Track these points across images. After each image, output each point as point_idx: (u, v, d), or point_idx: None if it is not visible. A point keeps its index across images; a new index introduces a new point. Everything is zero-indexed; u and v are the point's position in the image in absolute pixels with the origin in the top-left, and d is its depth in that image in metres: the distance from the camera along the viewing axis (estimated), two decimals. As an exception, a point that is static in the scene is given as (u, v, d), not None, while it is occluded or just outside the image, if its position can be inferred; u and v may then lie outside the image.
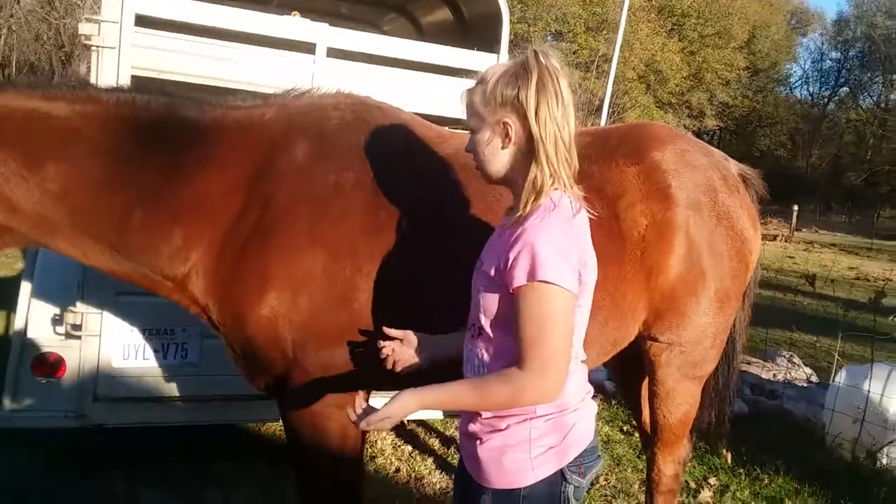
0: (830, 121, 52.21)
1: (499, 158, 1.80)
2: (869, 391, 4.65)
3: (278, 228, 2.31)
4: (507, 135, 1.76)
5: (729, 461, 4.74)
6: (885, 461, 4.56)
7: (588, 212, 1.82)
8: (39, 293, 3.60)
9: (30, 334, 3.54)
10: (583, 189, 1.82)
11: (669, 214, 2.64)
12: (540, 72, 1.70)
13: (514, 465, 1.77)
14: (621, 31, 10.06)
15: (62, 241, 2.27)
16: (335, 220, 2.36)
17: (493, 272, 1.75)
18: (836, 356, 6.15)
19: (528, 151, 1.74)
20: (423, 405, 1.70)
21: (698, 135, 45.99)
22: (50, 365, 3.55)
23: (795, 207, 30.93)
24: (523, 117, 1.72)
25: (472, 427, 1.85)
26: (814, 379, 6.47)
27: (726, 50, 38.53)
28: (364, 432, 2.53)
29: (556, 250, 1.64)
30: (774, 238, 28.02)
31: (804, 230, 33.09)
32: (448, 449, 4.61)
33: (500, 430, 1.78)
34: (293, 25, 3.76)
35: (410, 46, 4.08)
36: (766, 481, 4.48)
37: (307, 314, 2.31)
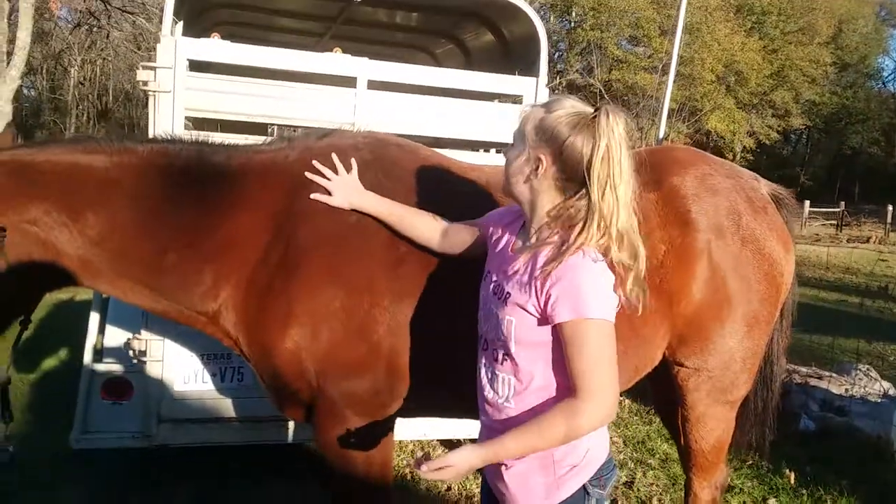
0: (929, 115, 49.40)
1: (521, 182, 1.91)
2: (939, 409, 4.44)
3: (300, 266, 2.44)
4: (536, 168, 1.85)
5: (792, 481, 4.61)
6: (958, 483, 4.35)
7: None
8: (108, 321, 3.87)
9: (99, 360, 3.81)
10: None
11: (689, 240, 2.63)
12: (608, 139, 1.76)
13: (540, 487, 1.88)
14: (679, 32, 9.82)
15: (104, 282, 2.46)
16: (354, 257, 2.47)
17: (528, 305, 1.83)
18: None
19: (564, 191, 1.84)
20: (486, 460, 1.80)
21: (785, 134, 44.39)
22: (119, 389, 3.80)
23: (890, 207, 29.49)
24: (562, 164, 1.81)
25: None
26: (892, 393, 6.18)
27: (811, 46, 37.08)
28: (389, 462, 2.63)
29: (599, 285, 1.77)
30: (867, 240, 26.80)
31: (901, 231, 31.44)
32: (501, 467, 4.64)
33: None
34: (334, 61, 3.92)
35: (446, 74, 4.19)
36: (829, 503, 4.34)
37: (328, 346, 2.42)
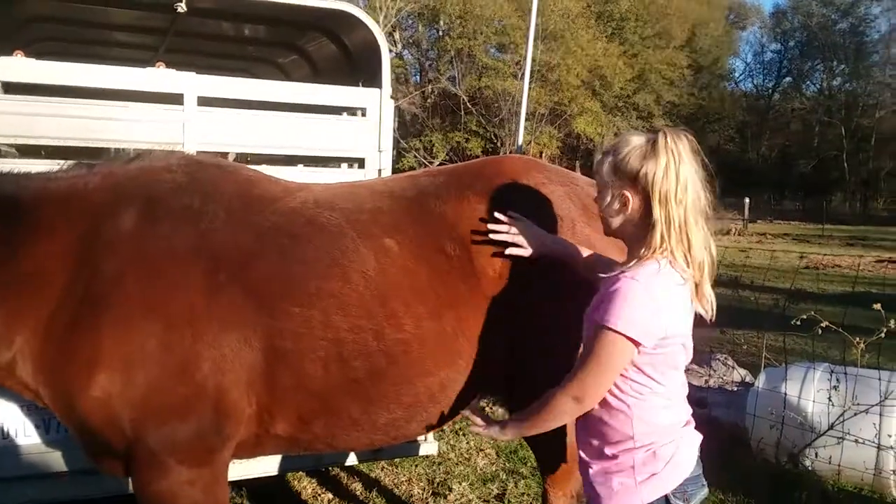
0: (777, 111, 53.30)
1: (617, 219, 2.11)
2: (785, 394, 4.64)
3: (107, 301, 2.21)
4: (625, 203, 2.05)
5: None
6: (808, 463, 4.55)
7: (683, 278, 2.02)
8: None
9: None
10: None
11: (522, 250, 2.58)
12: (667, 156, 1.97)
13: (622, 489, 2.05)
14: (531, 37, 9.93)
15: None
16: (170, 287, 2.26)
17: (591, 317, 2.04)
18: (764, 356, 6.18)
19: (645, 218, 2.02)
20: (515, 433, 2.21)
21: (649, 135, 46.50)
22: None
23: (747, 200, 31.43)
24: (643, 192, 2.00)
25: (583, 454, 2.16)
26: (748, 380, 6.46)
27: (667, 50, 39.06)
28: None
29: (633, 304, 1.93)
30: (728, 232, 28.39)
31: (759, 222, 33.58)
32: (370, 492, 4.47)
33: (608, 457, 2.08)
34: (155, 77, 3.65)
35: (282, 88, 4.02)
36: (693, 494, 4.43)
37: (144, 391, 2.20)
